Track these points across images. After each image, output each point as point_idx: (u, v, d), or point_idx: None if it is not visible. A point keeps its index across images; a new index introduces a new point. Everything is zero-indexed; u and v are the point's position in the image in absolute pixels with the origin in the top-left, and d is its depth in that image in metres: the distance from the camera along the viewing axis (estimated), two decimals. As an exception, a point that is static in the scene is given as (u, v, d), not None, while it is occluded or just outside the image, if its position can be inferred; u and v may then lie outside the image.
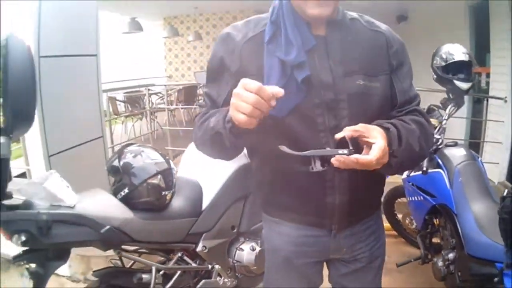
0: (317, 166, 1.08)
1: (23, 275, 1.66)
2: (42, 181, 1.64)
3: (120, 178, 1.88)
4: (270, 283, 1.49)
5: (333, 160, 1.03)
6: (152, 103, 7.95)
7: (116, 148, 4.66)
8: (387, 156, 1.08)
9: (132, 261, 2.02)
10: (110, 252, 1.84)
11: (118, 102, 7.49)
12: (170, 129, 5.47)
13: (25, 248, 1.63)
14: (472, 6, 6.09)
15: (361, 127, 1.06)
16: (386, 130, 1.11)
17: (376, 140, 1.05)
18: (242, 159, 2.16)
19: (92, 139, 3.19)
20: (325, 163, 1.07)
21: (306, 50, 1.17)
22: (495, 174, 4.89)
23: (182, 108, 7.93)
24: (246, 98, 0.98)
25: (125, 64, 12.14)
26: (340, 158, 1.02)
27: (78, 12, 3.03)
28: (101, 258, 2.73)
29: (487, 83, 5.57)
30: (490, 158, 5.08)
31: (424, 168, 2.33)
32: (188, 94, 8.78)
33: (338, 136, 1.06)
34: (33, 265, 1.62)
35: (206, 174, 2.20)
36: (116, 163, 1.89)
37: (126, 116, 7.19)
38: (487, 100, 5.41)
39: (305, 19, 1.20)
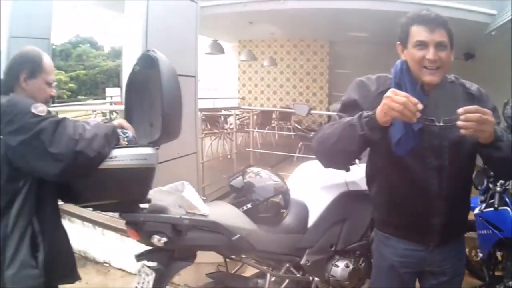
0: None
1: (142, 272, 1.85)
2: (174, 191, 1.89)
3: (244, 194, 2.19)
4: (375, 285, 1.83)
5: (459, 123, 1.32)
6: (230, 124, 8.44)
7: (206, 164, 5.07)
8: (492, 125, 1.37)
9: (237, 267, 2.31)
10: (198, 259, 1.97)
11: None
12: (252, 150, 5.82)
13: (149, 248, 1.83)
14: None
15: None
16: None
17: None
18: (342, 188, 2.48)
19: (188, 154, 3.51)
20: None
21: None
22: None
23: (257, 132, 8.32)
24: (398, 99, 1.31)
25: (201, 83, 12.56)
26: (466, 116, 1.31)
27: (180, 33, 3.32)
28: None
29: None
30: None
31: (496, 205, 2.62)
32: (264, 118, 9.18)
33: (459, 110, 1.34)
34: (154, 264, 1.82)
35: (311, 197, 2.47)
36: (239, 180, 2.22)
37: (206, 134, 7.67)
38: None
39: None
